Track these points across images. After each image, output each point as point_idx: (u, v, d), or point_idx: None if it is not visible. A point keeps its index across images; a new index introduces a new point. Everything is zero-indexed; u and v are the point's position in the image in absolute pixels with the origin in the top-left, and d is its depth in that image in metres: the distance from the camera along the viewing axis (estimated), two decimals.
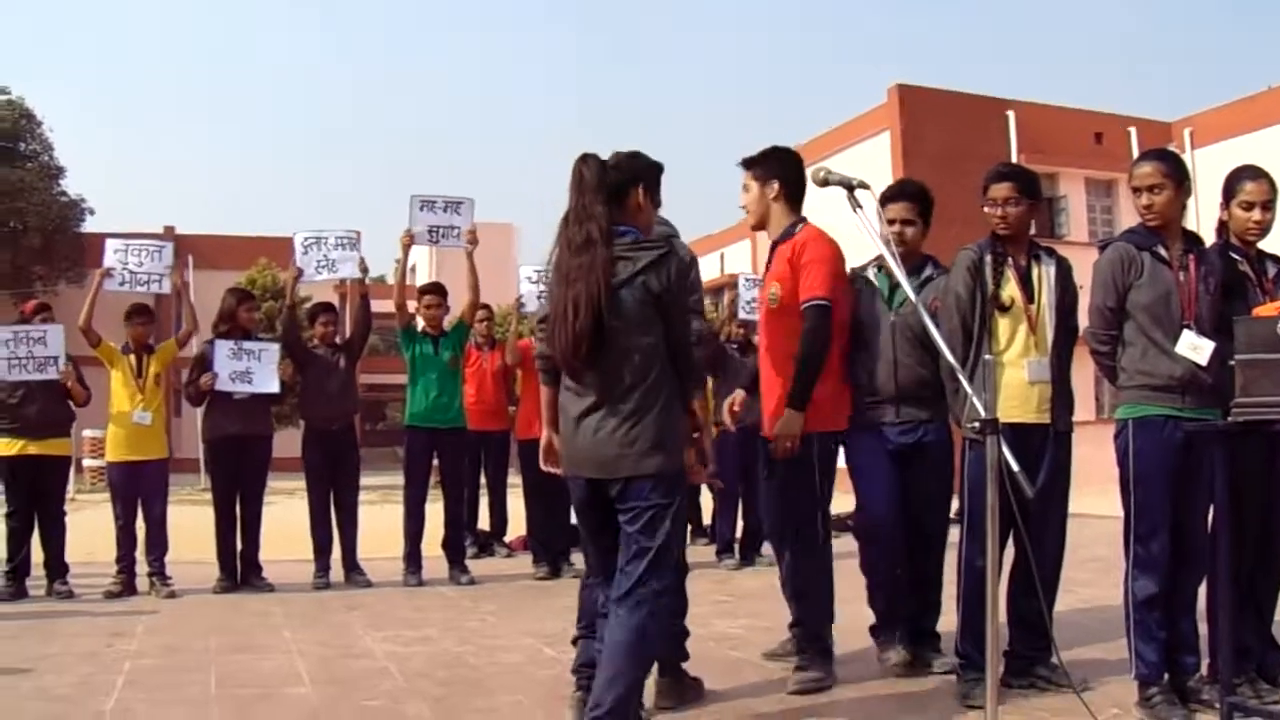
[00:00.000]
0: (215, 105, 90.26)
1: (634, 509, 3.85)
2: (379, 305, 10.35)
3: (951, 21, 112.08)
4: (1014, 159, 23.79)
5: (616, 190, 4.00)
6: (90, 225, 34.29)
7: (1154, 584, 4.39)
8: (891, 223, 5.17)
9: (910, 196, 5.32)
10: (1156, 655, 4.40)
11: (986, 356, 3.18)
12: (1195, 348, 4.38)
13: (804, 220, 5.05)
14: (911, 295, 3.54)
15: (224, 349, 8.37)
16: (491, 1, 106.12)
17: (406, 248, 8.65)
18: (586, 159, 3.97)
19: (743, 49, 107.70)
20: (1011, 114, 24.57)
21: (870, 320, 5.18)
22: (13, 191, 32.52)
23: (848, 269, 5.18)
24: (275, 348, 8.63)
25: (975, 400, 3.10)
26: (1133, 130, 24.87)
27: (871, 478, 5.20)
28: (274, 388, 8.50)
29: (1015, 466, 3.01)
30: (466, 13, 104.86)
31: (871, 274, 5.28)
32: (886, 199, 5.20)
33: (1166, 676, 4.42)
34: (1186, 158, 23.83)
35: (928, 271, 5.25)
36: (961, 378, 3.23)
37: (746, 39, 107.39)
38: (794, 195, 5.10)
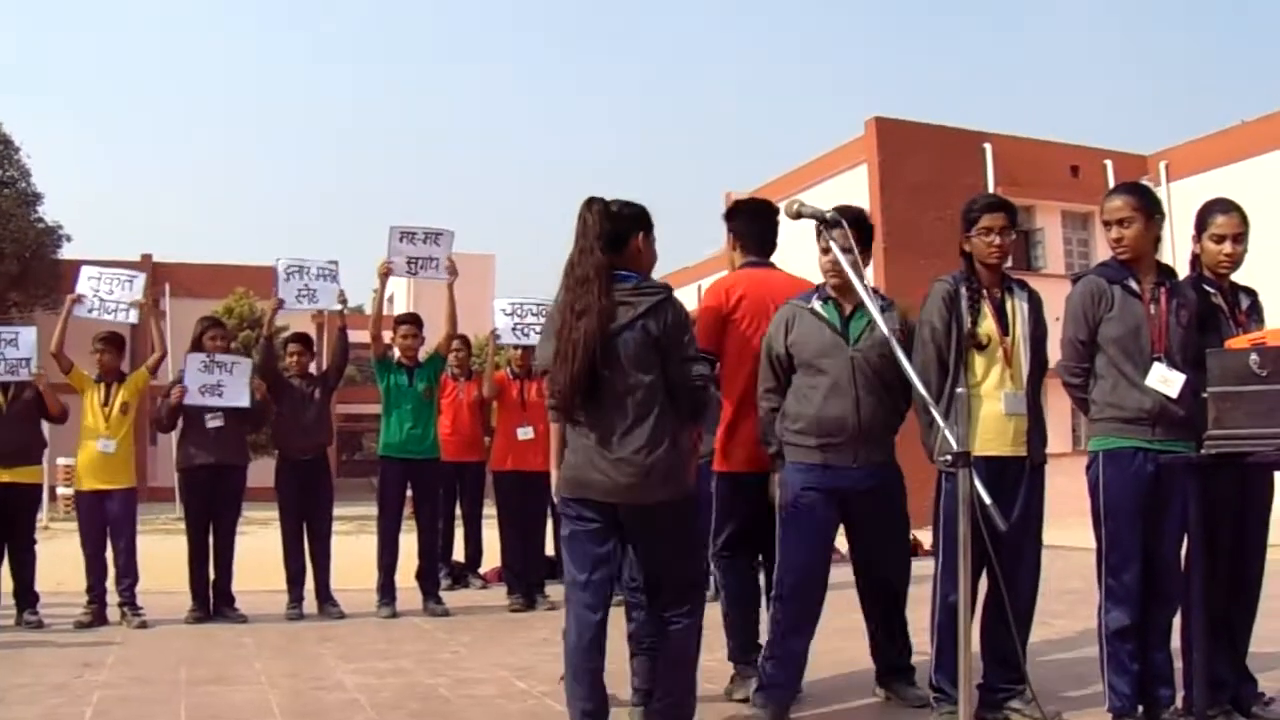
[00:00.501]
0: (194, 134, 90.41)
1: (647, 535, 4.11)
2: (356, 335, 10.33)
3: (928, 55, 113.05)
4: (991, 191, 24.00)
5: (616, 237, 4.09)
6: (67, 252, 33.99)
7: (1126, 616, 4.41)
8: (827, 251, 4.66)
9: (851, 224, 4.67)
10: (1130, 688, 4.41)
11: (959, 390, 3.17)
12: (1165, 380, 4.41)
13: (744, 265, 5.45)
14: (883, 327, 3.49)
15: (196, 362, 8.34)
16: (476, 36, 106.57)
17: (384, 278, 8.64)
18: (591, 204, 4.07)
19: (720, 82, 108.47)
20: (988, 146, 24.69)
21: (821, 355, 4.81)
22: None
23: (790, 306, 4.97)
24: (248, 362, 8.66)
25: (947, 433, 3.09)
26: (1109, 163, 25.02)
27: (803, 529, 4.85)
28: (244, 402, 8.45)
29: (988, 499, 2.99)
30: (452, 46, 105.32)
31: (818, 305, 4.89)
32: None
33: (1141, 709, 4.43)
34: (1162, 191, 24.00)
35: (881, 303, 4.73)
36: (935, 411, 3.23)
37: (723, 72, 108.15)
38: (746, 243, 5.51)
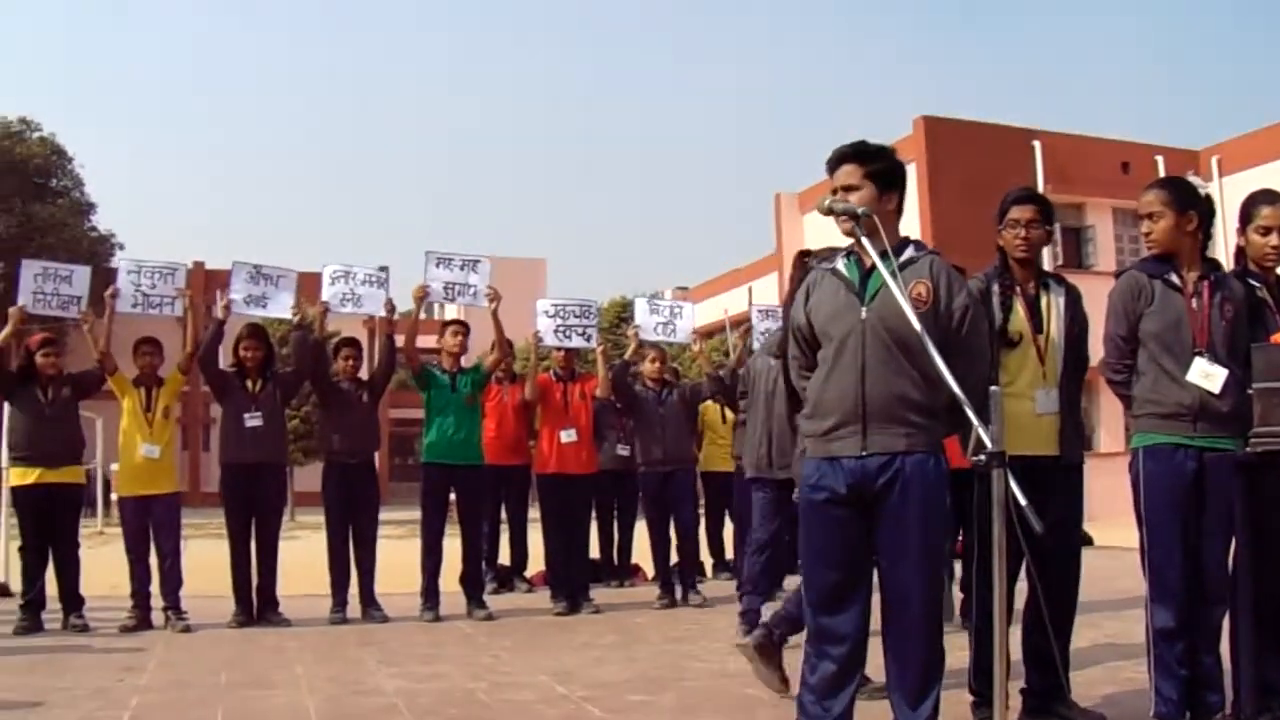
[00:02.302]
0: (246, 141, 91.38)
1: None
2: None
3: (976, 52, 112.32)
4: (1040, 189, 23.72)
5: None
6: (120, 260, 34.52)
7: (1172, 617, 4.31)
8: (834, 191, 3.90)
9: (851, 159, 3.89)
10: (1177, 692, 4.30)
11: (993, 388, 3.09)
12: (1207, 375, 4.32)
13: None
14: (893, 285, 3.41)
15: (242, 272, 8.46)
16: (528, 40, 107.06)
17: (419, 300, 8.73)
18: None
19: (771, 82, 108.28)
20: (1038, 144, 24.50)
21: (832, 319, 3.88)
22: (44, 228, 32.91)
23: (815, 269, 4.21)
24: (294, 274, 8.76)
25: (981, 431, 3.02)
26: (1160, 159, 24.74)
27: (815, 540, 3.95)
28: (287, 313, 8.68)
29: (1024, 500, 2.92)
30: (506, 50, 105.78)
31: (840, 264, 3.96)
32: (828, 168, 3.96)
33: (1188, 715, 4.32)
34: (1214, 185, 23.68)
35: (908, 253, 3.88)
36: (968, 409, 3.15)
37: (774, 73, 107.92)
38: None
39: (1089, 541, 13.64)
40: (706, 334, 12.00)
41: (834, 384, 3.83)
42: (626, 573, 10.93)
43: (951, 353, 3.38)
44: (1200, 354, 4.35)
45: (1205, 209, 4.55)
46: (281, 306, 8.75)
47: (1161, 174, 23.26)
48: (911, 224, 23.15)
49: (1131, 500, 4.46)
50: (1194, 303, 4.41)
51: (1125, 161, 25.21)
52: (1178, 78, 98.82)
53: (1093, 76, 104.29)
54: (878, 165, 3.85)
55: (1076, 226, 25.19)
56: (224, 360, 8.75)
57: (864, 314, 3.79)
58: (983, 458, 2.99)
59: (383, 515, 8.97)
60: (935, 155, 23.71)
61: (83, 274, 8.45)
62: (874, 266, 3.71)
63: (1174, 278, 4.44)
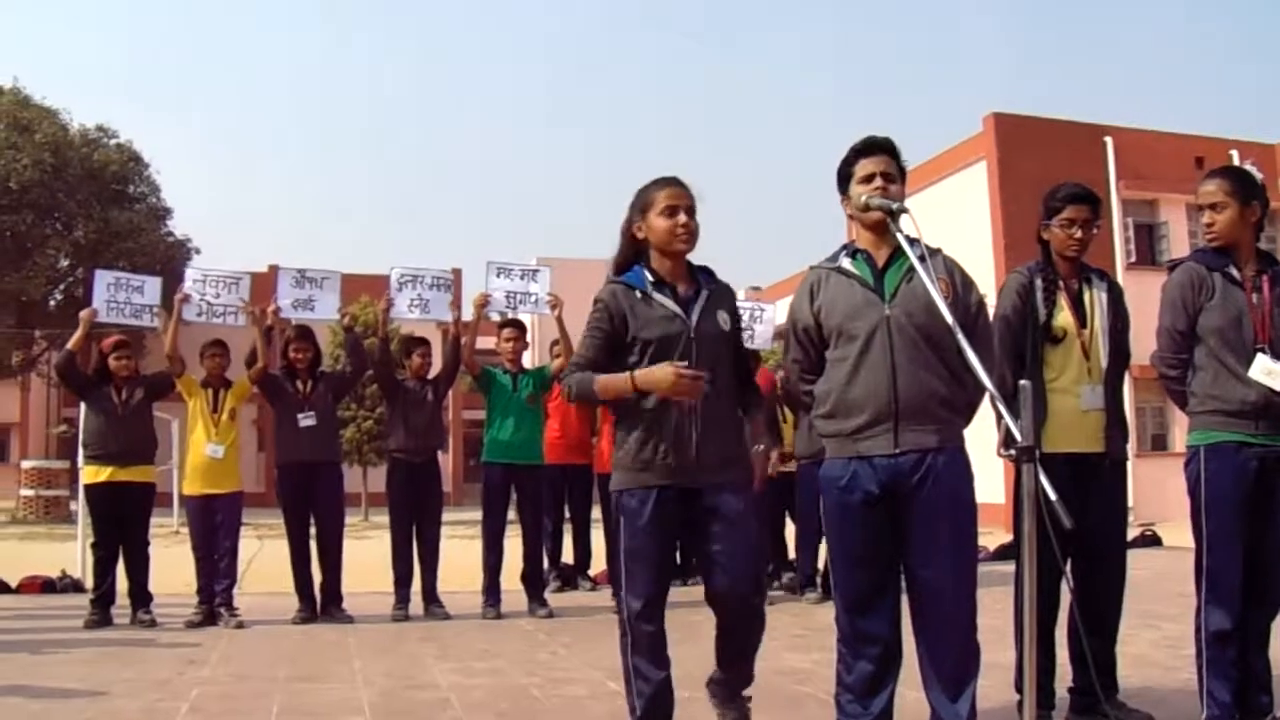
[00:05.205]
0: (318, 145, 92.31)
1: None
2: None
3: (1047, 48, 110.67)
4: (1113, 186, 23.40)
5: None
6: (196, 265, 35.11)
7: (1228, 620, 4.24)
8: (870, 178, 3.85)
9: (886, 150, 3.92)
10: (1229, 695, 4.25)
11: (1023, 382, 3.06)
12: (1270, 372, 4.23)
13: None
14: (922, 272, 3.41)
15: (287, 277, 8.58)
16: (609, 31, 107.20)
17: (480, 308, 8.79)
18: None
19: (838, 80, 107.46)
20: (1109, 140, 24.13)
21: (851, 318, 3.84)
22: (123, 233, 33.44)
23: (815, 269, 4.10)
24: (338, 276, 8.84)
25: (1012, 425, 3.00)
26: (1234, 153, 24.20)
27: (847, 542, 3.92)
28: (334, 315, 8.80)
29: (1054, 496, 2.89)
30: (586, 40, 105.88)
31: (846, 263, 3.94)
32: (858, 153, 3.93)
33: (1238, 717, 4.26)
34: None
35: (920, 249, 3.74)
36: (999, 402, 3.14)
37: (842, 70, 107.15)
38: None
39: (1157, 541, 13.47)
40: (779, 334, 11.94)
41: (861, 382, 3.79)
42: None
43: (971, 347, 3.36)
44: (1262, 350, 4.26)
45: (1265, 200, 4.47)
46: (328, 308, 8.86)
47: None
48: (982, 222, 22.93)
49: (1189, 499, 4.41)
50: (1254, 298, 4.33)
51: (1199, 156, 24.68)
52: (1254, 70, 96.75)
53: (1165, 70, 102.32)
54: (902, 162, 3.92)
55: (1150, 223, 24.78)
56: (274, 363, 8.87)
57: (888, 310, 3.77)
58: (1013, 451, 2.97)
59: (454, 515, 9.06)
60: (1006, 153, 23.41)
61: (154, 284, 8.63)
62: (889, 263, 3.79)
63: (1233, 271, 4.36)
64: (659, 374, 3.81)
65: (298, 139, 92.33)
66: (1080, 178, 5.29)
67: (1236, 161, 23.05)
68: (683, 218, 3.98)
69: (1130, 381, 4.87)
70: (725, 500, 3.97)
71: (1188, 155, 24.57)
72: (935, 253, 3.86)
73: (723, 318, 4.06)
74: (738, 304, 4.41)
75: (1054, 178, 5.30)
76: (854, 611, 3.85)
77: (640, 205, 4.08)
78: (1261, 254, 4.47)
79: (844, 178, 3.95)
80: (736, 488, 4.00)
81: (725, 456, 3.98)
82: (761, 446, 4.19)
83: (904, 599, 3.86)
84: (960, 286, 3.85)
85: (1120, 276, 20.36)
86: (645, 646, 4.04)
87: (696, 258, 4.16)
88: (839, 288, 3.91)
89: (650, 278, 4.03)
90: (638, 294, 4.01)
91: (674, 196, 4.01)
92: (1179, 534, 10.37)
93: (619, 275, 4.12)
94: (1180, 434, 20.83)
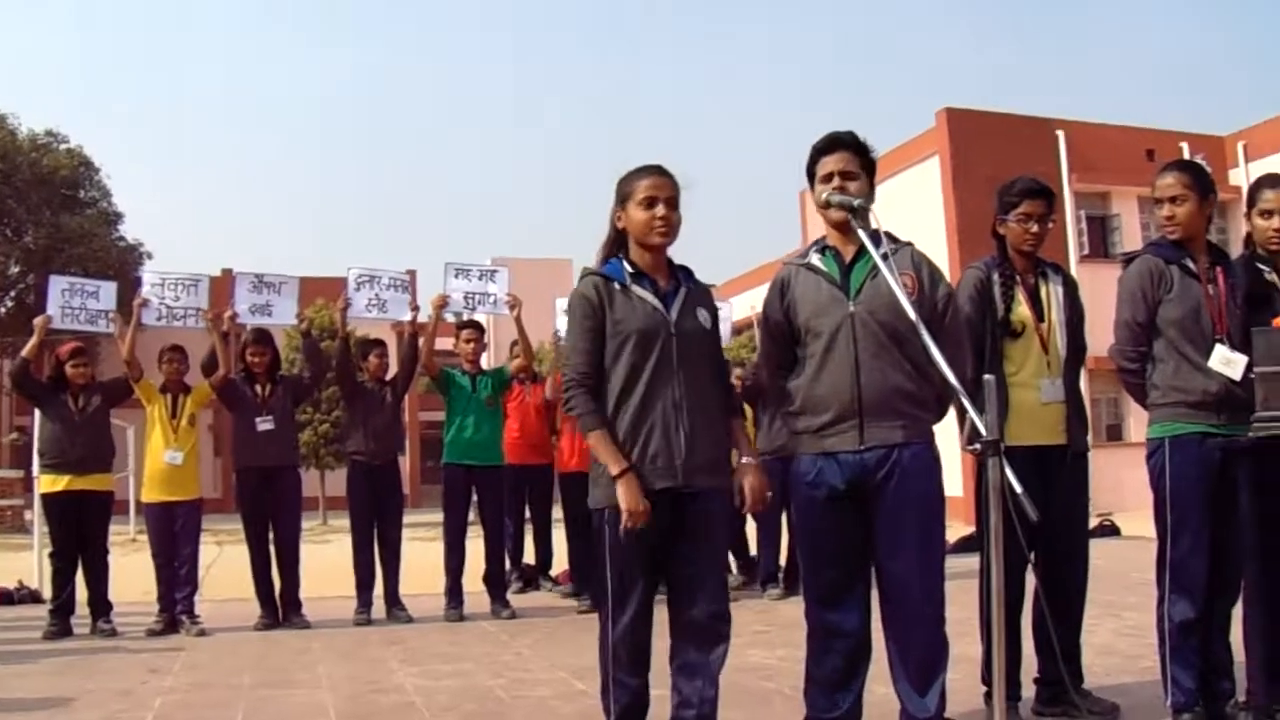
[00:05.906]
0: (270, 147, 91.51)
1: None
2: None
3: (997, 43, 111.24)
4: (1065, 179, 23.62)
5: None
6: (148, 269, 34.82)
7: (1192, 609, 4.28)
8: (829, 178, 3.88)
9: (847, 146, 3.95)
10: (1193, 682, 4.28)
11: (986, 376, 3.07)
12: (1229, 362, 4.27)
13: None
14: (884, 269, 3.41)
15: (245, 282, 8.52)
16: (552, 38, 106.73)
17: (439, 308, 8.75)
18: None
19: (794, 76, 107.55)
20: (1061, 134, 24.38)
21: (817, 315, 3.89)
22: (73, 238, 33.05)
23: (787, 265, 4.15)
24: (295, 281, 8.79)
25: (976, 419, 3.02)
26: (1185, 145, 24.52)
27: (815, 539, 4.00)
28: (292, 320, 8.76)
29: (1019, 489, 2.91)
30: (534, 49, 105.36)
31: (815, 259, 3.98)
32: (820, 151, 3.98)
33: (1202, 703, 4.30)
34: (1240, 172, 23.54)
35: (887, 245, 3.77)
36: (963, 397, 3.15)
37: (789, 69, 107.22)
38: None
39: (1116, 531, 13.58)
40: (737, 330, 11.97)
41: (826, 379, 3.82)
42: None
43: (938, 342, 3.36)
44: (1221, 341, 4.31)
45: (1215, 193, 4.54)
46: (286, 314, 8.81)
47: None
48: (936, 216, 23.08)
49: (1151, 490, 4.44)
50: (1210, 289, 4.37)
51: (1150, 149, 24.97)
52: (1202, 63, 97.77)
53: (1115, 64, 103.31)
54: (869, 158, 3.91)
55: (1102, 215, 25.05)
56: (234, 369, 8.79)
57: (852, 307, 3.81)
58: (978, 446, 2.99)
59: (413, 518, 9.03)
60: (958, 147, 23.59)
61: (109, 289, 8.54)
62: (855, 260, 3.82)
63: (1190, 263, 4.40)
64: (631, 499, 3.64)
65: (255, 141, 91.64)
66: (1033, 171, 5.32)
67: (1187, 154, 23.37)
68: (661, 210, 3.82)
69: (1085, 373, 4.89)
70: (709, 509, 3.82)
71: (1139, 148, 24.88)
72: (904, 246, 3.92)
73: (703, 315, 3.92)
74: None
75: (1007, 172, 5.33)
76: (823, 606, 3.87)
77: (621, 195, 3.94)
78: (1212, 246, 4.52)
79: (811, 175, 3.97)
80: (721, 493, 3.86)
81: (712, 458, 3.84)
82: (749, 460, 3.97)
83: (874, 594, 3.88)
84: (927, 281, 3.87)
85: (1073, 269, 20.55)
86: (628, 661, 3.81)
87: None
88: (807, 284, 3.94)
89: (629, 269, 3.88)
90: (616, 286, 3.86)
91: (654, 187, 3.84)
92: (1137, 524, 10.54)
93: (601, 266, 3.99)
94: (1135, 424, 21.11)
